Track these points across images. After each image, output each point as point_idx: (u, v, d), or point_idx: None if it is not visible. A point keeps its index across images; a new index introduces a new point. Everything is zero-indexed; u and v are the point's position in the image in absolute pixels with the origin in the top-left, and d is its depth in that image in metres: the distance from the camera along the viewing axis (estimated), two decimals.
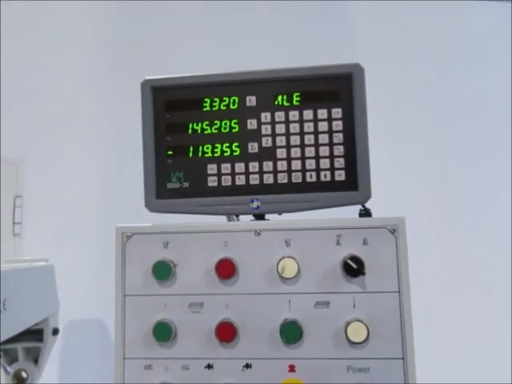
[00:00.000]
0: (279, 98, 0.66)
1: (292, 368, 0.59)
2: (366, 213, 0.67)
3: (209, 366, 0.60)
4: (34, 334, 0.90)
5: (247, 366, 0.60)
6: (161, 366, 0.61)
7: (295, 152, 0.65)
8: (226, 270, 0.60)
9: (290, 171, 0.65)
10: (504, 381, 1.31)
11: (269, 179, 0.65)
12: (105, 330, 1.43)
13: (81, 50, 1.58)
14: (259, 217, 0.67)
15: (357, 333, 0.58)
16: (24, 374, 0.90)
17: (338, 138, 0.64)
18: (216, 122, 0.67)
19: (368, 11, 1.53)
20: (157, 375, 0.60)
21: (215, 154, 0.66)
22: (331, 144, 0.65)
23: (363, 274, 0.58)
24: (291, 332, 0.58)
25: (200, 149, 0.67)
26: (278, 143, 0.65)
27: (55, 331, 0.95)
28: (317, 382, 0.58)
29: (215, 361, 0.60)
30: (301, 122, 0.65)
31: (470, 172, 1.43)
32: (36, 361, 0.92)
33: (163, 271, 0.61)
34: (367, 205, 0.67)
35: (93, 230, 1.47)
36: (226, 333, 0.59)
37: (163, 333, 0.60)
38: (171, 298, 0.62)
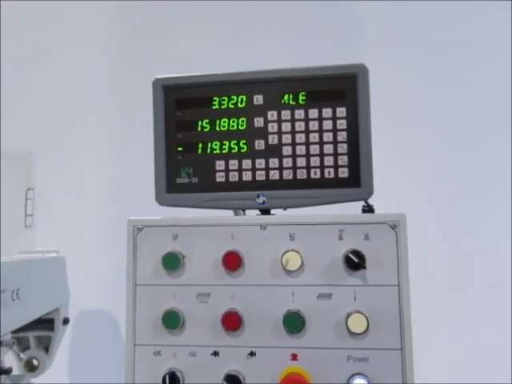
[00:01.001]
0: (285, 97, 0.68)
1: (294, 357, 0.61)
2: (369, 209, 0.70)
3: (215, 354, 0.63)
4: (45, 324, 0.93)
5: (251, 353, 0.62)
6: (169, 352, 0.63)
7: (300, 149, 0.67)
8: (232, 261, 0.63)
9: (295, 168, 0.67)
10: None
11: (274, 175, 0.68)
12: (114, 320, 1.46)
13: (92, 43, 1.59)
14: (265, 211, 0.69)
15: (357, 324, 0.60)
16: (35, 362, 0.93)
17: (342, 136, 0.66)
18: (224, 119, 0.69)
19: (377, 10, 1.53)
20: (165, 361, 0.63)
21: (223, 151, 0.69)
22: (335, 142, 0.67)
23: (364, 267, 0.61)
24: (294, 322, 0.61)
25: (209, 145, 0.69)
26: (284, 141, 0.68)
27: (66, 321, 0.97)
28: (318, 370, 0.61)
29: (221, 348, 0.63)
30: (306, 120, 0.67)
31: (473, 169, 1.44)
32: (47, 349, 0.95)
33: (172, 262, 0.64)
34: (370, 201, 0.69)
35: (103, 223, 1.50)
36: (232, 322, 0.62)
37: (172, 321, 0.62)
38: (180, 288, 0.64)
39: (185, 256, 0.65)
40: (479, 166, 1.44)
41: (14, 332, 0.86)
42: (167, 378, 0.61)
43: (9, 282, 0.73)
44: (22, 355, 0.93)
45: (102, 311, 1.46)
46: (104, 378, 1.38)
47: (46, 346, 0.96)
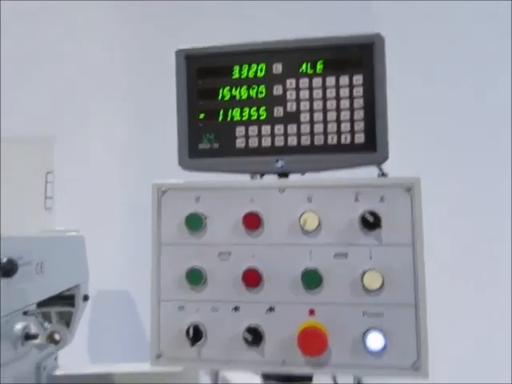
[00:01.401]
0: (304, 65, 0.70)
1: (312, 312, 0.64)
2: (383, 176, 0.72)
3: (236, 309, 0.65)
4: (67, 300, 0.96)
5: (271, 309, 0.65)
6: (192, 307, 0.66)
7: (318, 116, 0.70)
8: (252, 221, 0.65)
9: (312, 134, 0.70)
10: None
11: (293, 141, 0.70)
12: (130, 299, 1.50)
13: (108, 27, 1.63)
14: (283, 175, 0.72)
15: (372, 281, 0.62)
16: (57, 336, 0.96)
17: (359, 103, 0.69)
18: (244, 87, 0.72)
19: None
20: (189, 315, 0.66)
21: (243, 118, 0.71)
22: (352, 109, 0.69)
23: (380, 226, 0.63)
24: (312, 279, 0.63)
25: (229, 113, 0.72)
26: (302, 108, 0.70)
27: (85, 297, 1.01)
28: (335, 324, 0.63)
29: (242, 304, 0.65)
30: (324, 88, 0.70)
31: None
32: (68, 324, 0.98)
33: (195, 223, 0.66)
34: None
35: (121, 206, 1.53)
36: (252, 278, 0.64)
37: (195, 278, 0.65)
38: (202, 248, 0.67)
39: (207, 217, 0.67)
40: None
41: (37, 306, 0.89)
42: (191, 329, 0.64)
43: (33, 256, 0.76)
44: (46, 324, 0.96)
45: (119, 291, 1.50)
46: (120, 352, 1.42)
47: (67, 321, 0.99)
